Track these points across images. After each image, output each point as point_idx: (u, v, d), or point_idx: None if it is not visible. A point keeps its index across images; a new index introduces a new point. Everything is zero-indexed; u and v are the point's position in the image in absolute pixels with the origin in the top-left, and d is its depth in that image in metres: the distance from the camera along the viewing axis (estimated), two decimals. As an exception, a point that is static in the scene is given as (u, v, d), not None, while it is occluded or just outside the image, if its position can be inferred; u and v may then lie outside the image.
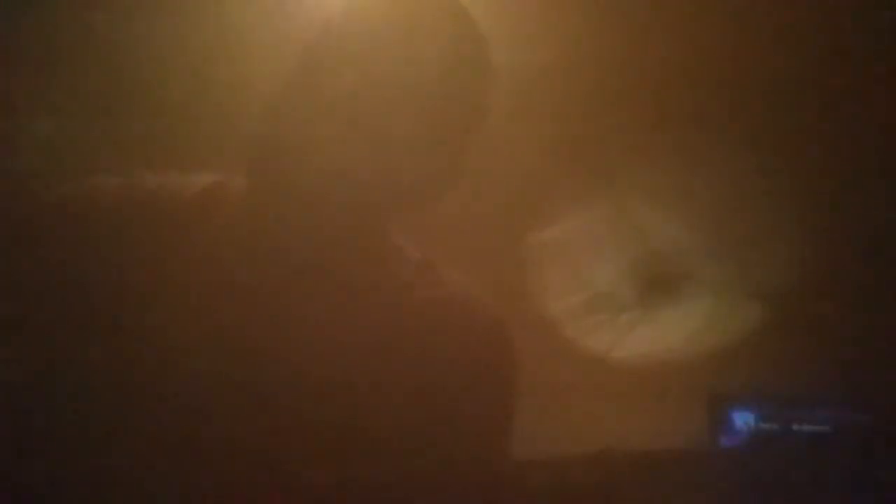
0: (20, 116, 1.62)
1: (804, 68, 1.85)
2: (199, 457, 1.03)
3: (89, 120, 1.67)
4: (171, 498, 1.03)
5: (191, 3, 1.64)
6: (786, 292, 2.02)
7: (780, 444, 1.98)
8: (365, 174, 1.05)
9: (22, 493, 1.04)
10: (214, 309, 1.06)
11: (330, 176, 1.05)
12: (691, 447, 1.99)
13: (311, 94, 1.07)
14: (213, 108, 1.59)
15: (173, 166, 1.18)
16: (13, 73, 1.62)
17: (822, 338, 2.01)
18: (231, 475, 1.03)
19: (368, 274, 1.11)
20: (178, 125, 1.64)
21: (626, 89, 1.85)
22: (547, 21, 1.75)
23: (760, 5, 1.81)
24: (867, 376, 1.98)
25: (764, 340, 2.01)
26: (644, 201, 1.99)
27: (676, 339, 2.04)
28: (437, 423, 1.09)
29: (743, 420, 2.01)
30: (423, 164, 1.08)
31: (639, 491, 1.94)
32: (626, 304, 2.06)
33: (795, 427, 1.99)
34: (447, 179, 1.12)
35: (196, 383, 1.04)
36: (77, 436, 1.04)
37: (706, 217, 2.00)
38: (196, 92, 1.64)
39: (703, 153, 1.88)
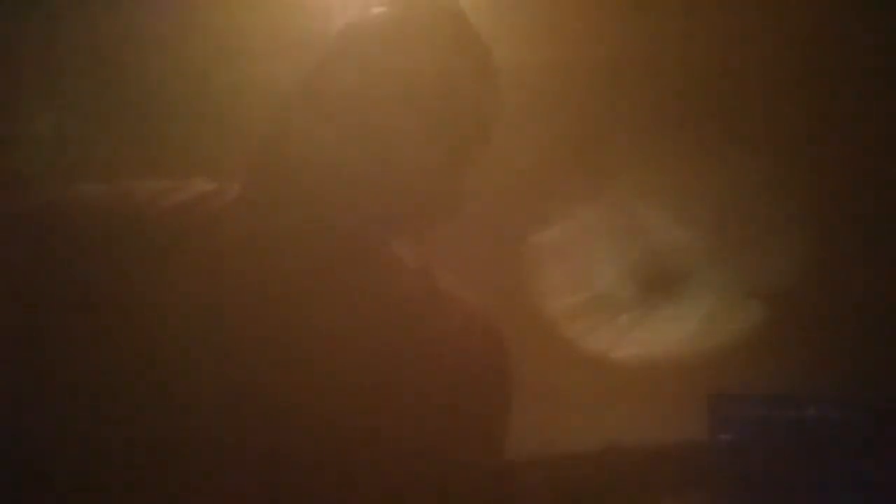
0: (20, 117, 1.62)
1: (804, 68, 1.85)
2: (191, 460, 1.03)
3: (91, 122, 1.66)
4: (166, 499, 1.03)
5: (191, 5, 1.64)
6: (786, 292, 2.01)
7: (776, 439, 1.98)
8: (366, 183, 1.05)
9: (21, 494, 1.03)
10: (210, 317, 1.06)
11: (329, 184, 1.05)
12: (691, 446, 1.99)
13: (312, 102, 1.06)
14: (215, 112, 1.58)
15: (174, 169, 1.18)
16: (13, 73, 1.62)
17: (822, 338, 2.00)
18: (224, 477, 1.03)
19: (366, 283, 1.11)
20: (179, 128, 1.64)
21: (627, 89, 1.85)
22: (547, 21, 1.75)
23: (760, 5, 1.81)
24: (867, 376, 1.98)
25: (764, 340, 2.01)
26: (644, 201, 1.99)
27: (676, 339, 2.04)
28: (432, 430, 1.09)
29: (743, 419, 2.01)
30: (428, 176, 1.08)
31: (638, 489, 1.94)
32: (626, 304, 2.06)
33: (794, 424, 1.99)
34: (452, 197, 1.11)
35: (193, 390, 1.03)
36: (67, 441, 1.03)
37: (706, 217, 2.00)
38: (197, 95, 1.64)
39: (704, 153, 1.87)
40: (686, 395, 1.98)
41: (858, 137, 1.93)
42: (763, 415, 1.99)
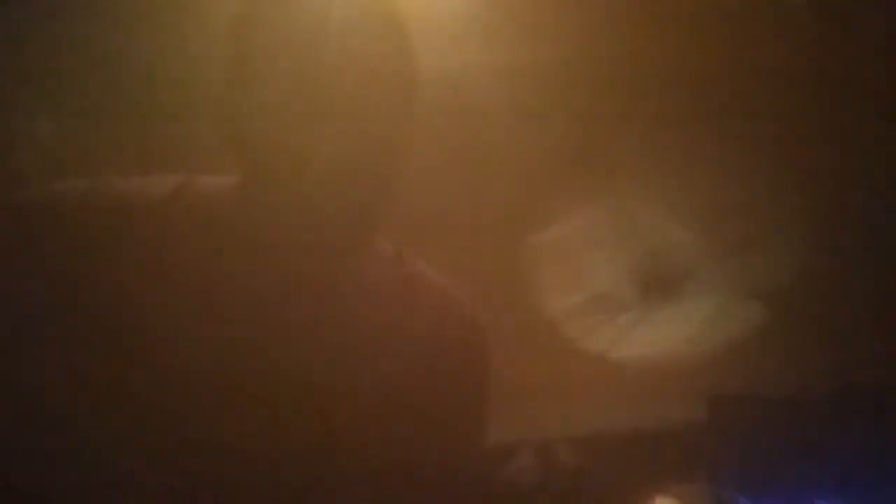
0: (20, 116, 1.62)
1: (805, 67, 1.85)
2: (176, 452, 1.03)
3: (87, 121, 1.66)
4: (158, 498, 1.03)
5: (186, 5, 1.65)
6: (786, 292, 2.02)
7: (776, 439, 1.98)
8: (335, 172, 1.06)
9: (21, 494, 1.03)
10: (189, 308, 1.07)
11: (302, 174, 1.05)
12: (691, 446, 1.99)
13: (280, 96, 1.07)
14: (203, 109, 1.58)
15: (165, 166, 1.18)
16: (13, 73, 1.62)
17: (822, 338, 2.01)
18: (209, 471, 1.04)
19: (342, 270, 1.12)
20: (170, 126, 1.64)
21: (627, 89, 1.85)
22: (547, 21, 1.75)
23: (760, 4, 1.81)
24: (867, 376, 1.98)
25: (764, 340, 2.01)
26: (644, 201, 1.99)
27: (676, 339, 2.04)
28: (411, 416, 1.10)
29: (743, 419, 2.01)
30: (387, 158, 1.09)
31: (638, 489, 1.94)
32: (626, 304, 2.06)
33: (794, 424, 1.99)
34: (395, 172, 1.12)
35: (172, 381, 1.04)
36: (60, 439, 1.04)
37: (706, 217, 2.00)
38: (190, 93, 1.64)
39: (704, 153, 1.88)
40: (686, 395, 1.98)
41: (859, 137, 1.93)
42: (763, 415, 2.00)
